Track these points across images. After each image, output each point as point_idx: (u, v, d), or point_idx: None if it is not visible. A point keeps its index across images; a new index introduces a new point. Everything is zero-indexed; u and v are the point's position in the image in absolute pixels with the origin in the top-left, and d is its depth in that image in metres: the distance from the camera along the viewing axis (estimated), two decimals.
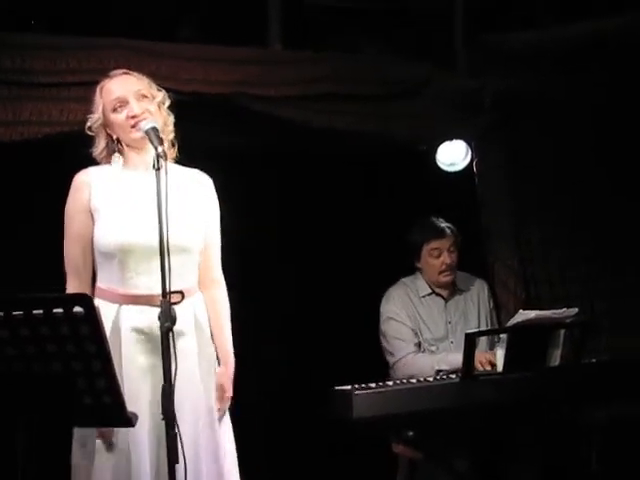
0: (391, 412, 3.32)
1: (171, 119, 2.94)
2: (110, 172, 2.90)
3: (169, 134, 2.92)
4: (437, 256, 4.20)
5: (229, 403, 2.97)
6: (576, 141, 4.64)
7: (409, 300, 4.24)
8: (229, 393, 2.96)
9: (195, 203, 2.93)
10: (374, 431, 3.57)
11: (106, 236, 2.81)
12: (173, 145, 2.95)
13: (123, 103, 2.85)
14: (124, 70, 2.94)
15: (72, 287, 2.85)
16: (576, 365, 3.60)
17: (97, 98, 2.90)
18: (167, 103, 2.94)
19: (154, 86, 2.94)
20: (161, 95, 2.93)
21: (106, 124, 2.88)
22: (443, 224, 4.25)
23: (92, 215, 2.84)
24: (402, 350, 4.13)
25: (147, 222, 2.72)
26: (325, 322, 4.81)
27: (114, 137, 2.90)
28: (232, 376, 2.98)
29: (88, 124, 2.92)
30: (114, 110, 2.85)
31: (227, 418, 2.96)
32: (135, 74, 2.93)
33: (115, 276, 2.81)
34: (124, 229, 2.80)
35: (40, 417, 2.44)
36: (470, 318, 4.25)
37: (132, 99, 2.84)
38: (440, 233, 4.22)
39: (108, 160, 2.92)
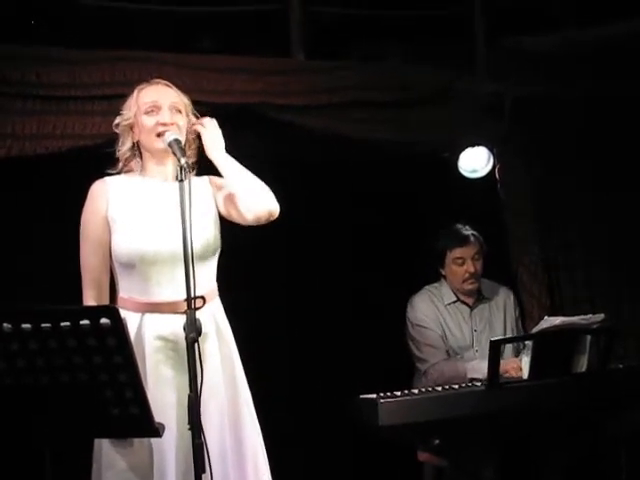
0: (416, 420, 3.31)
1: (194, 145, 2.95)
2: (127, 182, 2.90)
3: (189, 158, 2.89)
4: (461, 264, 4.18)
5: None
6: (598, 144, 4.61)
7: (435, 307, 4.22)
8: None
9: (207, 207, 2.93)
10: (399, 439, 3.57)
11: (124, 246, 2.81)
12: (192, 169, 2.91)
13: (156, 109, 2.86)
14: (166, 82, 2.96)
15: (90, 297, 2.85)
16: (603, 371, 3.57)
17: (132, 98, 2.91)
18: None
19: (191, 109, 2.95)
20: (192, 119, 2.93)
21: (134, 125, 2.89)
22: (468, 232, 4.23)
23: (109, 224, 2.84)
24: (434, 356, 4.11)
25: (165, 232, 2.74)
26: (347, 329, 4.80)
27: (135, 141, 2.90)
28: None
29: (116, 121, 2.92)
30: (146, 112, 2.86)
31: (252, 413, 2.92)
32: (175, 89, 2.94)
33: (136, 285, 2.82)
34: (142, 239, 2.80)
35: (67, 429, 2.45)
36: (496, 326, 4.22)
37: (166, 108, 2.86)
38: (464, 241, 4.19)
39: (129, 164, 2.92)
